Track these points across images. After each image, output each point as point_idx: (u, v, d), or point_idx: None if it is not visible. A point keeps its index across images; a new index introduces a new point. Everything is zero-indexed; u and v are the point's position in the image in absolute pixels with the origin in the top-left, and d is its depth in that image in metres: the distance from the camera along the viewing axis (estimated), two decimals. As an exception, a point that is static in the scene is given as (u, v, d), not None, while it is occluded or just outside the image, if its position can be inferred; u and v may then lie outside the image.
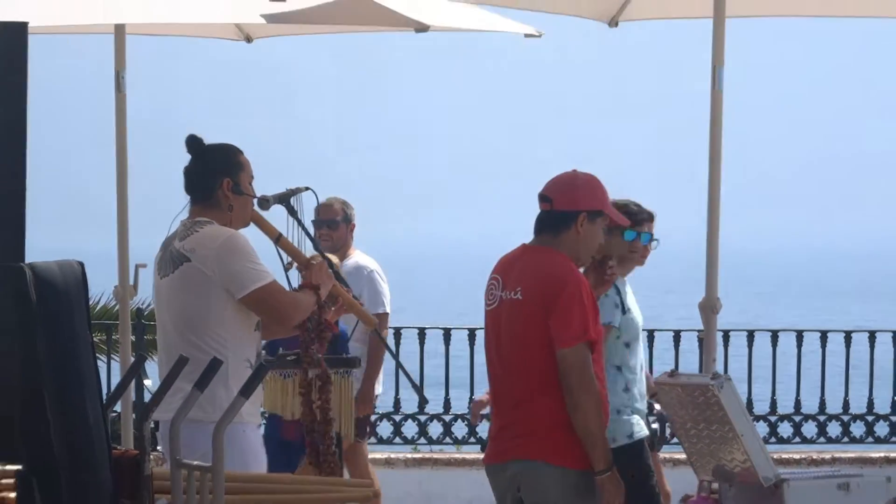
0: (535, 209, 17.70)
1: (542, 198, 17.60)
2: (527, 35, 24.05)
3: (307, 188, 19.85)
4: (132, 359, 23.40)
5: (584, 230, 17.34)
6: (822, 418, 33.43)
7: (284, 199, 19.46)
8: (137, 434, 17.73)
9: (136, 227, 23.53)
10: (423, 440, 29.65)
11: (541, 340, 17.12)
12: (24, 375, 16.15)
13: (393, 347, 27.41)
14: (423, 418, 29.43)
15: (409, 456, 27.64)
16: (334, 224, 27.25)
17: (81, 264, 16.28)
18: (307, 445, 19.30)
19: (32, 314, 16.05)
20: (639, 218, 20.32)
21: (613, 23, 22.45)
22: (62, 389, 16.10)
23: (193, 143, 18.64)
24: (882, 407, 32.46)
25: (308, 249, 19.73)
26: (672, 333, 31.18)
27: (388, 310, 27.75)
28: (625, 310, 20.69)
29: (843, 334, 33.73)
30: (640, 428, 19.87)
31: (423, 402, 30.56)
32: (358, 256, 28.79)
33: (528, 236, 17.83)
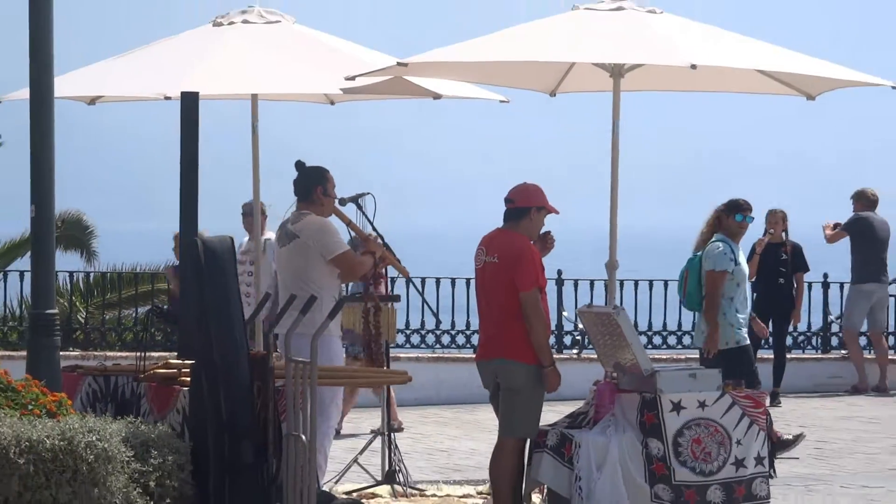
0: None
1: (507, 200, 17.50)
2: (500, 101, 22.62)
3: (369, 193, 19.60)
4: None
5: (534, 219, 17.34)
6: (679, 334, 32.33)
7: (354, 199, 19.45)
8: (265, 342, 17.85)
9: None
10: (437, 346, 29.19)
11: (510, 287, 16.98)
12: (196, 310, 17.05)
13: (422, 289, 25.43)
14: (437, 332, 29.01)
15: (429, 355, 27.53)
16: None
17: (231, 238, 17.42)
18: (365, 348, 19.19)
19: (201, 270, 17.02)
20: (745, 207, 21.43)
21: (553, 94, 21.07)
22: (219, 318, 16.57)
23: (299, 165, 18.42)
24: None
25: (367, 229, 19.39)
26: (589, 282, 29.65)
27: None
28: (736, 262, 21.36)
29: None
30: (744, 337, 20.89)
31: (438, 322, 30.32)
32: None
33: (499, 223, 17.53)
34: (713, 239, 22.63)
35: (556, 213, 18.00)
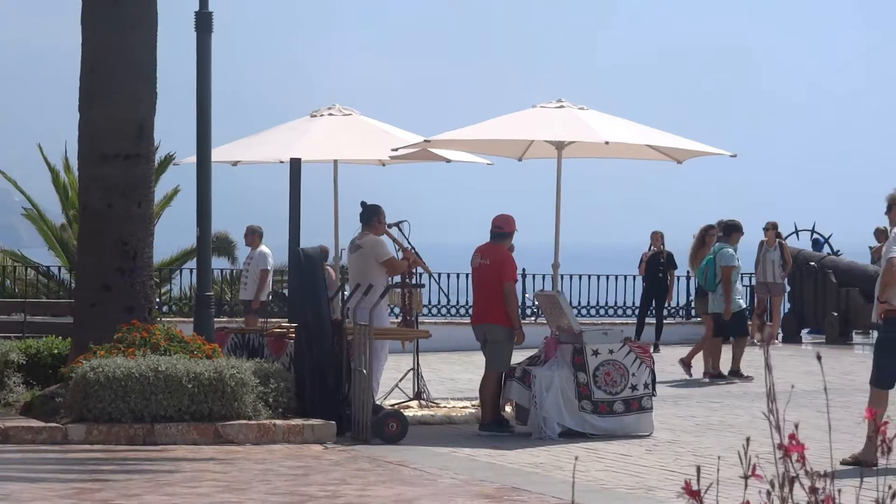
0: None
1: (496, 226, 17.34)
2: (487, 164, 22.77)
3: (406, 220, 19.06)
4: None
5: (510, 239, 17.58)
6: (597, 308, 31.08)
7: (396, 224, 18.82)
8: (341, 312, 17.42)
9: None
10: (447, 315, 28.41)
11: (496, 280, 16.96)
12: (298, 292, 17.63)
13: (438, 279, 26.30)
14: (447, 307, 28.24)
15: (442, 321, 27.02)
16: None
17: (322, 247, 18.26)
18: (402, 316, 19.60)
19: (302, 270, 17.69)
20: (739, 227, 22.93)
21: (520, 159, 20.91)
22: (312, 297, 16.95)
23: (363, 203, 18.00)
24: (630, 301, 30.71)
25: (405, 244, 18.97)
26: (542, 276, 28.49)
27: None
28: (737, 260, 22.36)
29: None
30: (741, 305, 22.18)
31: (448, 300, 28.94)
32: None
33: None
34: (720, 247, 23.20)
35: (514, 232, 17.98)
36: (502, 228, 17.48)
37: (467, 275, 26.58)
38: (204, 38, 18.88)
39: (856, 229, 37.58)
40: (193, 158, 19.52)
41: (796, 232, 31.88)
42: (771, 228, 28.32)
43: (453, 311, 28.75)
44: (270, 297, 26.58)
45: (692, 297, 31.27)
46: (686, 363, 22.00)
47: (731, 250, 23.67)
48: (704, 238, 22.87)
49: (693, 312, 31.03)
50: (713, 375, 21.67)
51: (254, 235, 25.35)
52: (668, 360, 22.55)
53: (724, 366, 22.01)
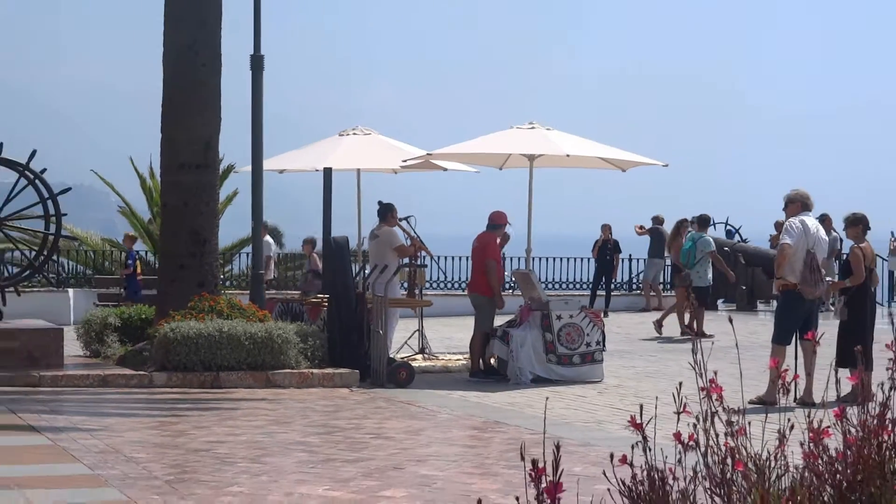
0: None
1: (490, 219, 17.12)
2: (475, 171, 22.27)
3: (412, 215, 18.71)
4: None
5: (502, 229, 16.98)
6: (561, 283, 30.05)
7: (405, 219, 18.34)
8: (363, 286, 16.97)
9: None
10: (445, 288, 27.57)
11: (482, 259, 16.67)
12: (330, 271, 17.20)
13: (438, 259, 25.56)
14: (445, 282, 27.50)
15: (441, 293, 26.18)
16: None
17: (346, 237, 17.52)
18: (409, 289, 19.03)
19: (334, 255, 16.87)
20: (709, 219, 22.65)
21: (500, 168, 20.49)
22: (342, 277, 16.63)
23: (380, 202, 17.93)
24: (585, 277, 30.08)
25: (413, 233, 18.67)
26: (519, 258, 27.84)
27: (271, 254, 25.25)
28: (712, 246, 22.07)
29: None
30: (706, 282, 21.07)
31: (445, 276, 27.93)
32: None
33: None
34: (700, 236, 22.66)
35: (509, 224, 17.61)
36: (494, 221, 17.29)
37: (461, 257, 26.61)
38: (257, 75, 18.89)
39: (760, 222, 37.31)
40: (248, 168, 19.55)
41: (713, 224, 30.95)
42: (697, 221, 27.88)
43: (449, 285, 28.07)
44: (276, 275, 26.28)
45: (634, 275, 31.54)
46: (659, 323, 21.63)
47: (709, 238, 23.52)
48: (679, 229, 22.58)
49: (638, 286, 30.88)
50: (694, 334, 20.55)
51: (263, 229, 24.66)
52: (614, 324, 22.32)
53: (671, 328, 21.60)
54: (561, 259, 31.23)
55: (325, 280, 17.91)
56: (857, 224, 14.82)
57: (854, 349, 11.79)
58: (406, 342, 18.61)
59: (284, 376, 15.37)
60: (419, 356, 18.07)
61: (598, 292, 29.26)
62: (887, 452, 3.14)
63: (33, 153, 16.79)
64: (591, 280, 30.35)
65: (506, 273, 19.94)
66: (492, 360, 16.78)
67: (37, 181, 16.66)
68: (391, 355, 16.59)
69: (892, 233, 30.71)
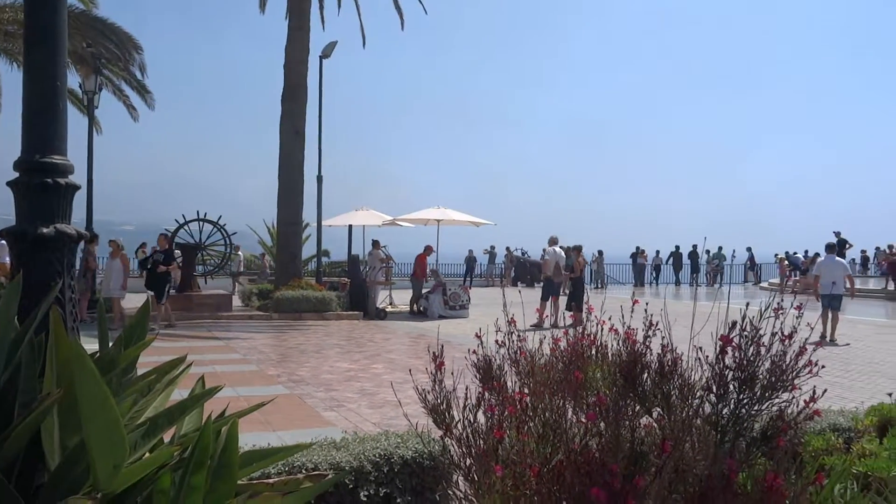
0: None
1: (426, 247, 16.39)
2: (416, 226, 19.71)
3: (386, 245, 17.15)
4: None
5: (427, 252, 16.45)
6: (455, 275, 27.73)
7: (383, 247, 16.95)
8: (364, 275, 16.19)
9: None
10: (402, 275, 23.41)
11: (418, 264, 16.08)
12: (351, 270, 16.51)
13: (396, 266, 21.14)
14: (400, 275, 23.28)
15: (398, 279, 21.27)
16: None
17: (357, 255, 16.47)
18: (386, 276, 17.49)
19: (351, 261, 15.58)
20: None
21: (425, 224, 19.01)
22: (355, 271, 15.74)
23: (373, 240, 16.83)
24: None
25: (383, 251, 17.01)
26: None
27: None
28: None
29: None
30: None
31: (400, 272, 23.52)
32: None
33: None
34: (572, 247, 18.00)
35: (432, 250, 16.63)
36: (424, 251, 16.53)
37: (407, 263, 22.93)
38: (320, 186, 17.42)
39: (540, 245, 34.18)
40: (314, 223, 18.47)
41: (520, 251, 28.82)
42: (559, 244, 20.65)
43: (402, 275, 23.47)
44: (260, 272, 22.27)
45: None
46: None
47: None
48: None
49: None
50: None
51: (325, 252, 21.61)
52: (476, 296, 19.81)
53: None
54: (452, 265, 29.16)
55: (349, 273, 17.05)
56: (579, 249, 14.12)
57: (573, 303, 12.45)
58: (384, 300, 17.63)
59: (330, 315, 14.80)
60: (389, 306, 17.23)
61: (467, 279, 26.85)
62: (585, 348, 2.82)
63: (220, 217, 15.97)
64: (463, 274, 27.91)
65: (430, 270, 18.24)
66: (421, 308, 16.17)
67: (222, 229, 15.93)
68: (377, 306, 15.96)
69: (594, 253, 27.24)
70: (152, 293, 12.32)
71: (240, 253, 20.61)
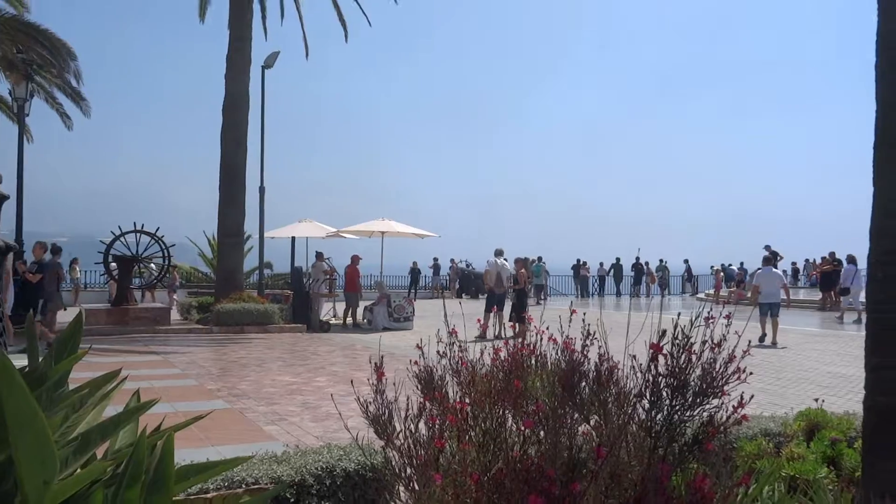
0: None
1: (353, 256, 15.70)
2: (361, 237, 19.31)
3: (330, 257, 16.84)
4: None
5: (355, 261, 15.84)
6: (400, 286, 27.64)
7: (327, 259, 16.72)
8: (307, 287, 15.64)
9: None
10: (340, 289, 21.39)
11: (350, 277, 15.62)
12: (295, 282, 16.15)
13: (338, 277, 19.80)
14: (341, 287, 18.12)
15: (340, 291, 18.25)
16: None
17: (301, 266, 15.95)
18: (329, 288, 17.24)
19: (294, 273, 15.29)
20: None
21: (370, 236, 18.90)
22: (299, 284, 14.48)
23: (317, 252, 16.66)
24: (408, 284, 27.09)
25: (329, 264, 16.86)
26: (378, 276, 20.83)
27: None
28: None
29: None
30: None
31: (342, 284, 20.11)
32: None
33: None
34: (538, 266, 19.99)
35: (360, 259, 16.09)
36: (352, 261, 16.21)
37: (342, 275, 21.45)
38: (262, 198, 17.26)
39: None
40: (256, 235, 18.11)
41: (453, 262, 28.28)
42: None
43: (341, 288, 19.72)
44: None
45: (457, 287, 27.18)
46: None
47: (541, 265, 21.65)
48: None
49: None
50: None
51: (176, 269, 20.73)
52: (421, 308, 19.65)
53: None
54: (397, 276, 29.07)
55: (292, 285, 16.52)
56: (527, 260, 14.40)
57: (515, 314, 12.38)
58: (328, 312, 17.50)
59: (273, 328, 14.60)
60: (333, 319, 17.13)
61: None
62: (525, 358, 2.85)
63: (158, 229, 15.56)
64: (408, 286, 27.77)
65: (374, 281, 17.11)
66: (364, 320, 15.93)
67: (160, 241, 15.53)
68: (321, 318, 15.84)
69: (537, 259, 26.05)
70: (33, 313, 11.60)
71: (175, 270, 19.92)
